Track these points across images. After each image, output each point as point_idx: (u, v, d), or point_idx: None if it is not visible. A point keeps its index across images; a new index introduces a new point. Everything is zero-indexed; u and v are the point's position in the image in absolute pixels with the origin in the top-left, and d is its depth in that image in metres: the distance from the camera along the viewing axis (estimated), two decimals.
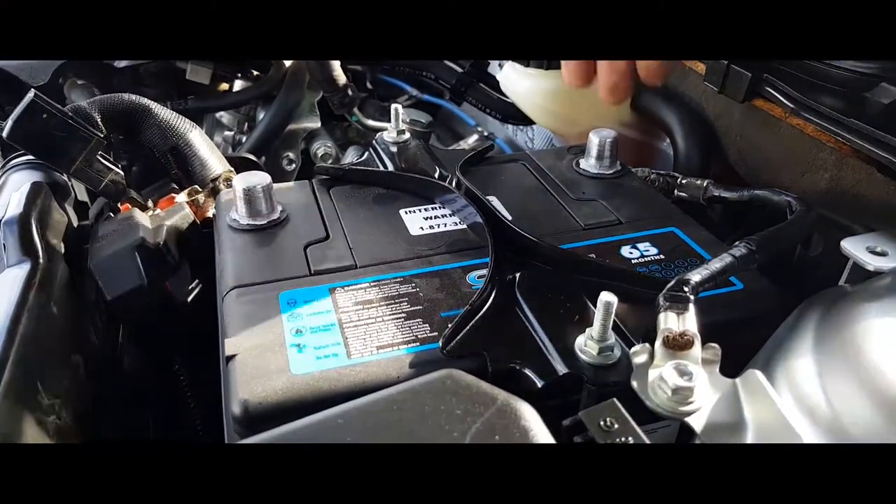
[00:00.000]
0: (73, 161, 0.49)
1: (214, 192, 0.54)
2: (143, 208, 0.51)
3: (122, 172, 0.52)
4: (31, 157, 0.51)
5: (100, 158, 0.50)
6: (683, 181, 0.53)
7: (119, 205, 0.52)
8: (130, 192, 0.53)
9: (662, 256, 0.45)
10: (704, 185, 0.52)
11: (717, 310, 0.38)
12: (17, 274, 0.40)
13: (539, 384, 0.35)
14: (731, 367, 0.31)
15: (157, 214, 0.50)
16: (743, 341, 0.35)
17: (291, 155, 0.76)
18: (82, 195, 0.74)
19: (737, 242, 0.37)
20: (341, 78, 0.81)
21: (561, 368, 0.35)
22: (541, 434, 0.26)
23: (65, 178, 0.52)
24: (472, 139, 0.96)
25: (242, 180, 0.47)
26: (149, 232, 0.47)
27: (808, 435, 0.25)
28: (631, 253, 0.45)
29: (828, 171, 0.49)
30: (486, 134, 0.96)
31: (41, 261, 0.42)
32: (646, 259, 0.45)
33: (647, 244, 0.46)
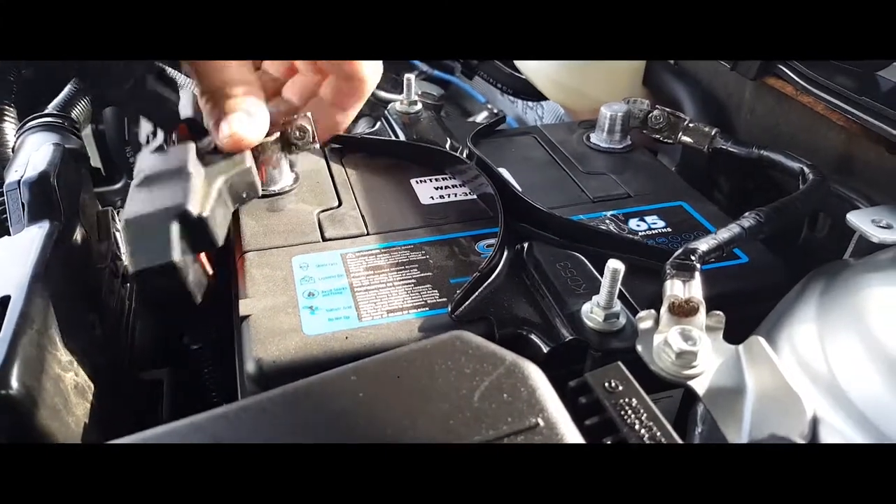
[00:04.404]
0: (126, 79, 0.44)
1: (285, 140, 0.46)
2: (203, 133, 0.45)
3: (176, 97, 0.46)
4: (48, 119, 0.51)
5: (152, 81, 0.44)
6: (690, 124, 0.52)
7: (174, 133, 0.47)
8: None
9: (669, 229, 0.45)
10: (712, 133, 0.51)
11: (722, 282, 0.39)
12: (38, 233, 0.41)
13: (545, 350, 0.36)
14: (735, 338, 0.32)
15: (215, 157, 0.43)
16: (747, 313, 0.36)
17: None
18: (95, 161, 0.74)
19: (746, 213, 0.37)
20: None
21: (566, 334, 0.36)
22: (548, 394, 0.27)
23: (81, 141, 0.52)
24: (481, 116, 0.96)
25: None
26: (197, 194, 0.39)
27: (808, 396, 0.26)
28: (639, 225, 0.46)
29: (836, 150, 0.49)
30: (495, 111, 0.96)
31: (61, 221, 0.42)
32: (653, 232, 0.45)
33: (655, 217, 0.47)
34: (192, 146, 0.43)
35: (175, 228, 0.37)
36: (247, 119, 0.42)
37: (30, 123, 0.52)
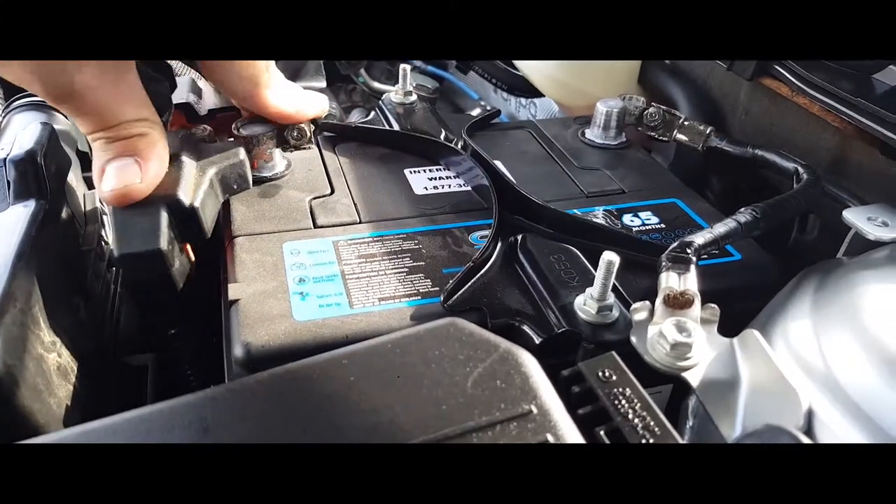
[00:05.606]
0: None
1: (281, 138, 0.47)
2: (199, 120, 0.47)
3: (167, 83, 0.44)
4: (36, 98, 0.50)
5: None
6: (685, 122, 0.52)
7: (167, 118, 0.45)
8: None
9: (663, 225, 0.45)
10: (707, 131, 0.51)
11: (715, 278, 0.39)
12: (23, 212, 0.40)
13: (537, 340, 0.35)
14: (727, 334, 0.32)
15: (209, 147, 0.43)
16: (740, 310, 0.36)
17: None
18: (83, 146, 0.73)
19: (741, 209, 0.37)
20: None
21: (559, 326, 0.36)
22: (541, 382, 0.27)
23: (70, 121, 0.51)
24: (474, 113, 0.96)
25: (247, 129, 0.47)
26: (189, 183, 0.39)
27: (804, 389, 0.26)
28: (632, 221, 0.46)
29: (830, 151, 0.49)
30: (488, 108, 0.96)
31: (46, 200, 0.42)
32: (647, 227, 0.45)
33: (649, 213, 0.46)
34: (184, 134, 0.43)
35: (164, 216, 0.37)
36: (139, 166, 0.37)
37: (17, 102, 0.51)
